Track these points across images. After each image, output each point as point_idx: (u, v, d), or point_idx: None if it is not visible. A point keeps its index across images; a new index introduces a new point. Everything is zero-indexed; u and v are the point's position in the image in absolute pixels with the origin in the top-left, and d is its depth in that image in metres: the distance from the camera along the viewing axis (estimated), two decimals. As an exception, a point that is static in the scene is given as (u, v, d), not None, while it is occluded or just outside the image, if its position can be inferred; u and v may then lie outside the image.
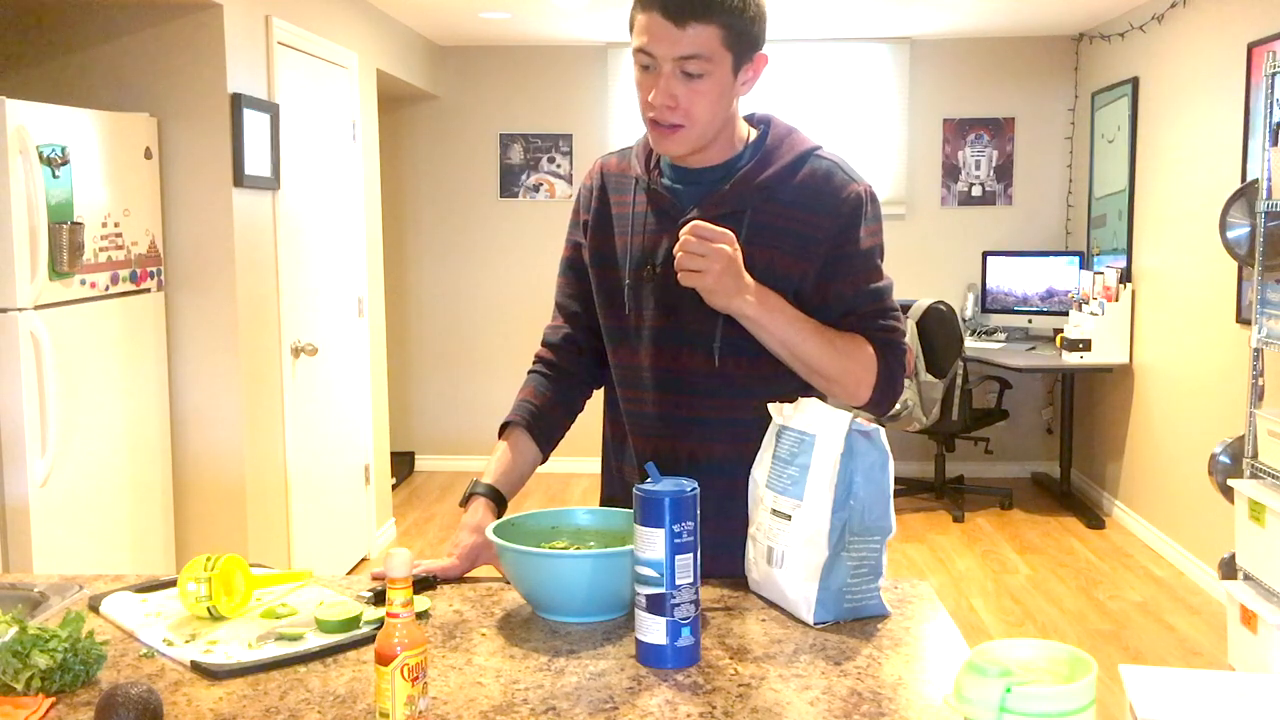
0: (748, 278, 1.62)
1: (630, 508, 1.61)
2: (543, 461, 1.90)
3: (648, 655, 1.40)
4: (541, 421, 1.87)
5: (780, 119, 1.80)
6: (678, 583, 1.38)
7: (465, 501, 1.81)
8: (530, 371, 1.94)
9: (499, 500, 1.81)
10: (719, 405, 1.75)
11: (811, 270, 1.70)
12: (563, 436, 1.92)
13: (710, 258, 1.57)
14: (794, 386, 1.72)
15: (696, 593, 1.40)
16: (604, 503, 1.93)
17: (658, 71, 1.63)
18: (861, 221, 1.72)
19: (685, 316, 1.73)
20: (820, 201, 1.70)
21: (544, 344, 1.95)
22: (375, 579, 1.70)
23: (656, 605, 1.38)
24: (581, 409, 1.94)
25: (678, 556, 1.38)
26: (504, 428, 1.88)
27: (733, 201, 1.71)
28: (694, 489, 1.40)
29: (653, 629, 1.39)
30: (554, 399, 1.89)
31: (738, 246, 1.61)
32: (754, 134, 1.78)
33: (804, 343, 1.67)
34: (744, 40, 1.64)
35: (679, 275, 1.60)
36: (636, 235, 1.78)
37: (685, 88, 1.63)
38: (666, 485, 1.40)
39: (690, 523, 1.39)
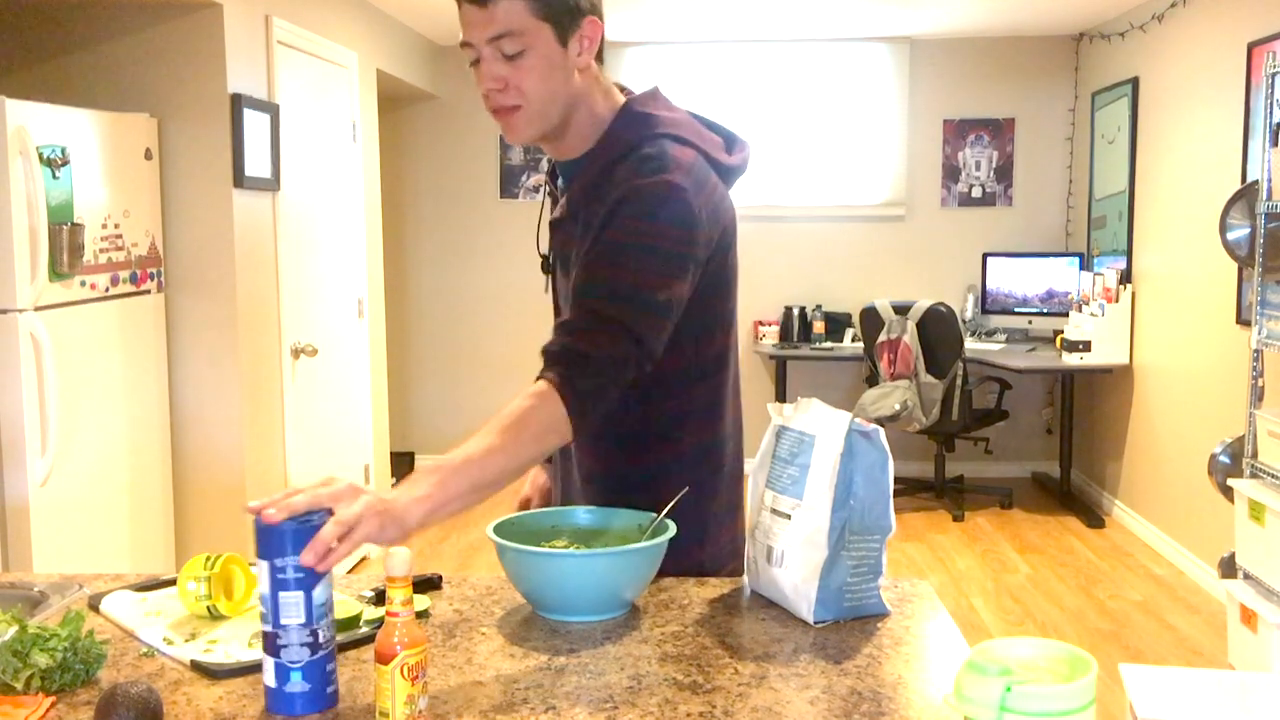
0: (389, 509, 1.32)
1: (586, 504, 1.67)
2: None
3: (269, 699, 1.28)
4: None
5: (647, 97, 1.69)
6: (283, 622, 1.26)
7: None
8: None
9: None
10: None
11: None
12: None
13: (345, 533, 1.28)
14: (669, 391, 1.67)
15: (314, 634, 1.27)
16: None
17: (481, 59, 1.58)
18: (625, 213, 1.54)
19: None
20: (610, 192, 1.58)
21: None
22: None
23: (268, 644, 1.27)
24: None
25: (282, 594, 1.25)
26: None
27: (573, 201, 1.65)
28: (313, 521, 1.26)
29: (265, 669, 1.28)
30: None
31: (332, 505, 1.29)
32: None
33: (493, 469, 1.46)
34: (559, 8, 1.56)
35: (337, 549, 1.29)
36: (545, 232, 1.79)
37: (508, 67, 1.56)
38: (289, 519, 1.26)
39: (295, 558, 1.25)
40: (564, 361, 1.51)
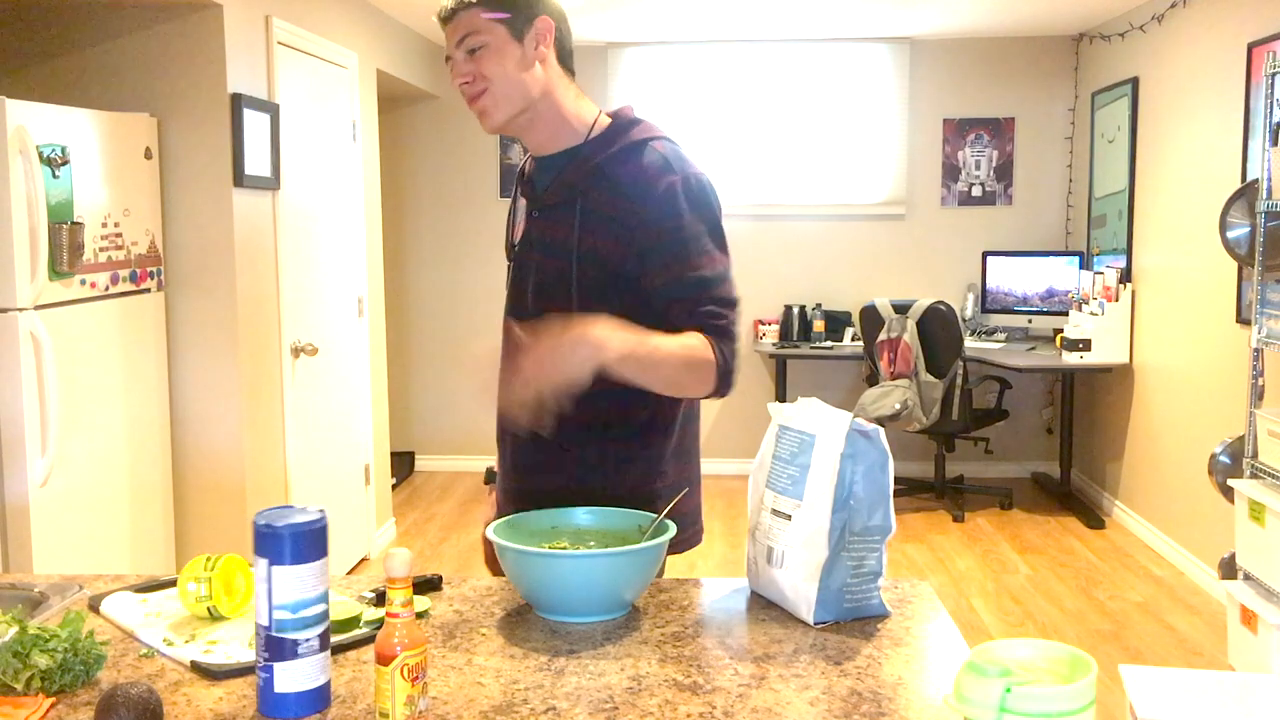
0: (592, 333, 1.64)
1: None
2: None
3: (315, 701, 1.27)
4: None
5: (637, 112, 1.91)
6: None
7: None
8: None
9: None
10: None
11: (633, 256, 1.79)
12: None
13: (528, 368, 1.62)
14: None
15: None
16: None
17: (455, 63, 1.85)
18: (679, 208, 1.78)
19: (532, 299, 1.87)
20: (638, 188, 1.79)
21: None
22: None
23: (326, 640, 1.29)
24: None
25: (330, 590, 1.30)
26: None
27: (567, 189, 1.85)
28: (313, 524, 1.28)
29: (322, 670, 1.28)
30: None
31: (540, 334, 1.64)
32: (606, 123, 1.89)
33: (658, 371, 1.72)
34: (509, 6, 1.81)
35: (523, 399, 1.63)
36: (517, 222, 1.97)
37: (473, 62, 1.82)
38: (294, 514, 1.28)
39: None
40: (721, 337, 1.77)
